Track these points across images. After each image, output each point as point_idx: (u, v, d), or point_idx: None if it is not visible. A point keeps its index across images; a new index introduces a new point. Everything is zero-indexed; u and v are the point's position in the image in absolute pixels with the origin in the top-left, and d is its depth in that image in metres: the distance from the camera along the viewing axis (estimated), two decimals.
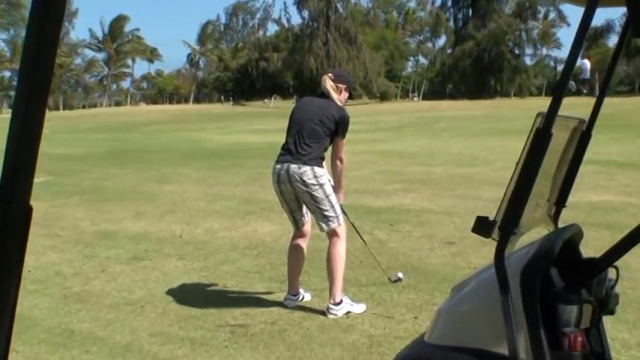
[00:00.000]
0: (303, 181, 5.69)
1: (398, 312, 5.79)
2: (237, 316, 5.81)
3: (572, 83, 62.40)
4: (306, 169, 5.70)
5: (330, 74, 6.11)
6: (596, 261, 2.35)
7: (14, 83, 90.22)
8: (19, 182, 0.90)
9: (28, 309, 6.01)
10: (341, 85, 6.01)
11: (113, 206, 11.39)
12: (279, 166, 5.84)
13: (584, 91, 44.26)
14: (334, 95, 5.94)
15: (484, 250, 7.31)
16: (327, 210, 5.75)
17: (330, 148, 6.00)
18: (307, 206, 5.86)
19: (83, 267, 7.60)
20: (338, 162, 6.00)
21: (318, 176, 5.73)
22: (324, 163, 5.90)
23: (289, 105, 74.14)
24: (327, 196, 5.75)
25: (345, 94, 6.07)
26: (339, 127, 5.86)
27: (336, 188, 6.03)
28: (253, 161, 16.68)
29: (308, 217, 6.04)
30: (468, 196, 11.17)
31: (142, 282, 6.94)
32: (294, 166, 5.72)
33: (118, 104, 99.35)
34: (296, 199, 5.86)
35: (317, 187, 5.70)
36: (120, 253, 8.15)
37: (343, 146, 5.99)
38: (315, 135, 5.80)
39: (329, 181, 5.88)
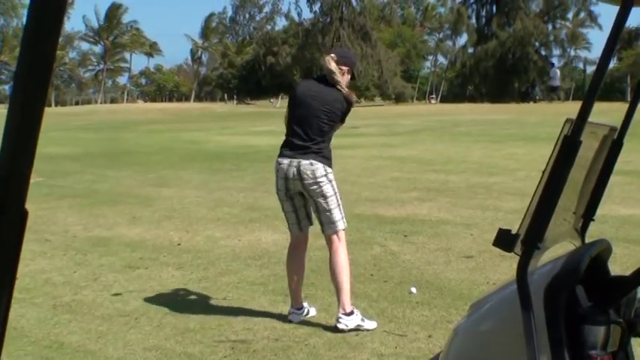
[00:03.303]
0: (315, 177, 5.75)
1: (411, 330, 5.78)
2: (239, 331, 5.82)
3: (538, 89, 63.14)
4: (319, 165, 5.77)
5: (332, 54, 6.05)
6: (625, 279, 2.35)
7: (2, 77, 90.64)
8: (14, 185, 0.90)
9: (15, 319, 6.02)
10: (344, 67, 5.97)
11: (107, 210, 11.42)
12: (286, 161, 5.85)
13: (556, 98, 46.79)
14: (338, 78, 5.90)
15: (504, 265, 7.31)
16: (334, 209, 5.82)
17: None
18: (314, 204, 5.88)
19: (74, 275, 7.61)
20: None
21: (328, 173, 5.82)
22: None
23: None
24: (334, 193, 5.84)
25: (347, 77, 6.01)
26: (343, 115, 5.98)
27: None
28: (258, 165, 16.67)
29: (309, 221, 6.06)
30: (488, 206, 11.16)
31: (136, 292, 6.96)
32: (305, 162, 5.76)
33: (113, 101, 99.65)
34: (301, 195, 5.90)
35: (326, 182, 5.78)
36: (113, 261, 8.17)
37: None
38: (323, 131, 5.87)
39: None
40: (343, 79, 5.95)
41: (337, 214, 5.85)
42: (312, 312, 6.21)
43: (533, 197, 2.20)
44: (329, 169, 5.84)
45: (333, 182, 5.86)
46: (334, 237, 5.89)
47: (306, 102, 5.94)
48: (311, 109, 5.88)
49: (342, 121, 6.01)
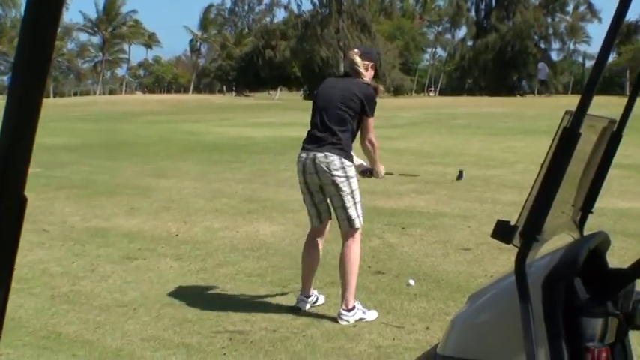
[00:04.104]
0: (330, 170, 5.70)
1: (408, 321, 5.79)
2: (236, 321, 5.82)
3: (524, 83, 64.07)
4: (334, 158, 5.71)
5: (356, 50, 6.09)
6: (623, 272, 2.35)
7: (1, 67, 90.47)
8: (12, 173, 0.90)
9: (13, 309, 6.01)
10: (368, 62, 5.99)
11: (105, 201, 11.42)
12: (304, 154, 5.84)
13: (546, 92, 47.60)
14: (361, 69, 5.91)
15: (502, 258, 7.32)
16: (350, 207, 5.77)
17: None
18: (331, 200, 5.87)
19: (72, 265, 7.62)
20: (367, 144, 6.00)
21: (346, 167, 5.75)
22: (353, 154, 5.93)
23: (296, 97, 74.11)
24: (352, 191, 5.77)
25: (371, 72, 6.05)
26: (365, 104, 5.83)
27: (373, 167, 6.17)
28: (257, 157, 16.69)
29: (330, 214, 6.05)
30: (486, 199, 11.17)
31: (134, 283, 6.96)
32: (320, 155, 5.72)
33: (112, 92, 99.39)
34: (321, 190, 5.87)
35: (343, 179, 5.72)
36: (111, 252, 8.17)
37: (371, 127, 5.96)
38: (342, 122, 5.80)
39: (355, 167, 5.93)
40: (367, 74, 5.98)
41: (353, 213, 5.80)
42: (321, 300, 6.24)
43: (532, 189, 2.20)
44: (347, 163, 5.76)
45: (352, 179, 5.78)
46: (348, 234, 5.87)
47: (326, 92, 5.98)
48: (330, 99, 5.87)
49: (366, 112, 5.85)
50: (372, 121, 5.96)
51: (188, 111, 41.34)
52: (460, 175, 5.90)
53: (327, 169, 5.70)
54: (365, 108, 5.84)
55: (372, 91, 5.91)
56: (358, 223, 5.85)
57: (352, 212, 5.80)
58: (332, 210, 5.97)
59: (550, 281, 2.25)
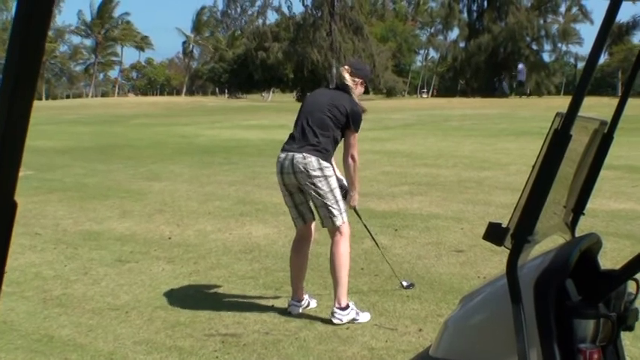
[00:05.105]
0: (307, 171, 5.71)
1: (401, 323, 5.79)
2: (229, 324, 5.81)
3: (505, 84, 65.39)
4: (312, 159, 5.72)
5: (347, 67, 6.14)
6: (615, 273, 2.35)
7: None
8: (3, 177, 0.90)
9: (5, 313, 6.01)
10: (357, 79, 6.05)
11: (97, 204, 11.40)
12: (283, 155, 5.86)
13: (523, 93, 48.34)
14: (352, 87, 5.99)
15: (494, 260, 7.33)
16: (330, 205, 5.77)
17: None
18: (312, 200, 5.88)
19: (64, 269, 7.60)
20: (350, 160, 5.98)
21: (324, 167, 5.76)
22: (332, 160, 5.94)
23: (288, 99, 74.04)
24: (331, 190, 5.77)
25: (360, 89, 6.12)
26: (350, 119, 5.87)
27: (350, 189, 6.10)
28: (249, 159, 16.68)
29: (314, 216, 6.06)
30: (479, 201, 11.18)
31: (127, 286, 6.94)
32: (298, 156, 5.74)
33: (104, 94, 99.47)
34: (300, 191, 5.89)
35: (321, 178, 5.73)
36: (104, 255, 8.15)
37: (356, 142, 5.98)
38: (323, 125, 5.83)
39: (335, 175, 5.91)
40: (355, 90, 6.03)
41: (334, 210, 5.80)
42: (313, 304, 6.23)
43: (524, 191, 2.20)
44: (325, 164, 5.77)
45: (330, 178, 5.79)
46: (334, 231, 5.89)
47: (315, 99, 6.09)
48: (317, 104, 5.95)
49: (349, 127, 5.90)
50: (356, 137, 5.99)
51: (181, 113, 41.34)
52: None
53: (304, 169, 5.72)
54: (349, 122, 5.89)
55: (359, 110, 5.97)
56: (340, 220, 5.84)
57: (333, 210, 5.80)
58: (316, 210, 5.97)
59: (542, 283, 2.24)
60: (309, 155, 5.73)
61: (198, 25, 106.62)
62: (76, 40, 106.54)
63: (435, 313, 5.97)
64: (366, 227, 6.84)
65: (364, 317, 5.86)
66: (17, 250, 8.05)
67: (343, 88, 6.02)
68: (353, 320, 5.79)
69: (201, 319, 5.92)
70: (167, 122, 32.96)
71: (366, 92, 6.34)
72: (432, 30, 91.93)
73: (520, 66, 52.68)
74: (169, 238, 8.93)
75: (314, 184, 5.73)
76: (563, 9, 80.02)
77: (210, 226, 9.59)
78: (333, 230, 5.88)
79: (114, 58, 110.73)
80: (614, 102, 2.85)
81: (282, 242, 8.41)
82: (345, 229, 5.90)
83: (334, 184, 5.82)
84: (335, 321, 5.74)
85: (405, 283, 6.69)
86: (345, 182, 6.13)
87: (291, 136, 5.93)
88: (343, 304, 5.80)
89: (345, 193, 6.10)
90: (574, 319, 2.25)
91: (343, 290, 5.84)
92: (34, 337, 5.59)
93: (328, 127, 5.84)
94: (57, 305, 6.37)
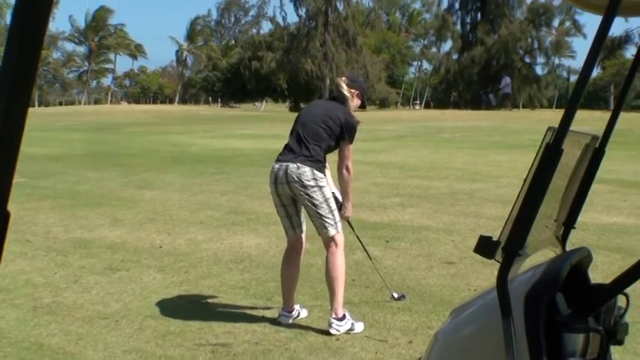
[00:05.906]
0: (301, 181, 5.71)
1: (391, 335, 5.79)
2: (219, 334, 5.80)
3: (491, 97, 66.04)
4: (306, 169, 5.73)
5: (344, 78, 6.19)
6: (605, 287, 2.35)
7: None
8: None
9: None
10: (354, 91, 6.09)
11: (89, 212, 11.37)
12: (277, 165, 5.87)
13: (508, 106, 48.95)
14: (348, 98, 6.03)
15: (485, 272, 7.33)
16: (325, 215, 5.78)
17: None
18: (306, 210, 5.89)
19: (55, 276, 7.57)
20: (344, 171, 5.99)
21: (318, 178, 5.76)
22: (327, 171, 5.96)
23: (282, 109, 74.05)
24: (325, 200, 5.78)
25: (357, 101, 6.15)
26: (344, 130, 5.89)
27: (343, 200, 6.11)
28: (242, 169, 16.68)
29: (305, 227, 6.06)
30: (470, 213, 11.20)
31: (117, 294, 6.92)
32: (292, 166, 5.75)
33: (97, 102, 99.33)
34: (293, 202, 5.90)
35: (315, 188, 5.73)
36: (94, 263, 8.13)
37: (350, 153, 6.00)
38: (318, 136, 5.85)
39: (329, 186, 5.93)
40: (352, 102, 6.08)
41: (328, 220, 5.81)
42: (303, 314, 6.23)
43: (515, 204, 2.20)
44: (318, 174, 5.78)
45: (324, 188, 5.79)
46: (329, 241, 5.89)
47: (310, 110, 6.14)
48: (311, 115, 5.98)
49: (344, 138, 5.92)
50: (350, 148, 6.01)
51: (173, 122, 41.29)
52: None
53: (297, 179, 5.73)
54: (343, 134, 5.91)
55: (353, 121, 5.99)
56: (334, 230, 5.85)
57: (328, 220, 5.80)
58: (311, 220, 5.98)
59: (532, 296, 2.25)
60: (302, 165, 5.74)
61: (192, 34, 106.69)
62: (69, 47, 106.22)
63: (425, 325, 5.97)
64: (358, 238, 6.86)
65: (359, 327, 5.89)
66: (8, 257, 8.03)
67: (339, 99, 6.05)
68: (349, 330, 5.79)
69: (191, 328, 5.91)
70: (160, 130, 32.91)
71: (362, 107, 6.34)
72: (426, 42, 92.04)
73: (506, 79, 53.03)
74: (160, 247, 8.92)
75: (308, 195, 5.74)
76: (556, 23, 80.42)
77: (202, 236, 9.58)
78: (328, 240, 5.88)
79: (107, 66, 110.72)
80: (606, 116, 2.86)
81: (274, 252, 8.40)
82: (340, 239, 5.90)
83: (328, 194, 5.83)
84: (332, 331, 5.75)
85: (395, 295, 6.70)
86: (338, 194, 6.14)
87: (286, 147, 5.95)
88: (340, 315, 5.81)
89: (340, 205, 6.12)
90: (564, 333, 2.25)
91: (340, 301, 5.84)
92: (24, 344, 5.57)
93: (322, 138, 5.86)
94: (47, 313, 6.35)
